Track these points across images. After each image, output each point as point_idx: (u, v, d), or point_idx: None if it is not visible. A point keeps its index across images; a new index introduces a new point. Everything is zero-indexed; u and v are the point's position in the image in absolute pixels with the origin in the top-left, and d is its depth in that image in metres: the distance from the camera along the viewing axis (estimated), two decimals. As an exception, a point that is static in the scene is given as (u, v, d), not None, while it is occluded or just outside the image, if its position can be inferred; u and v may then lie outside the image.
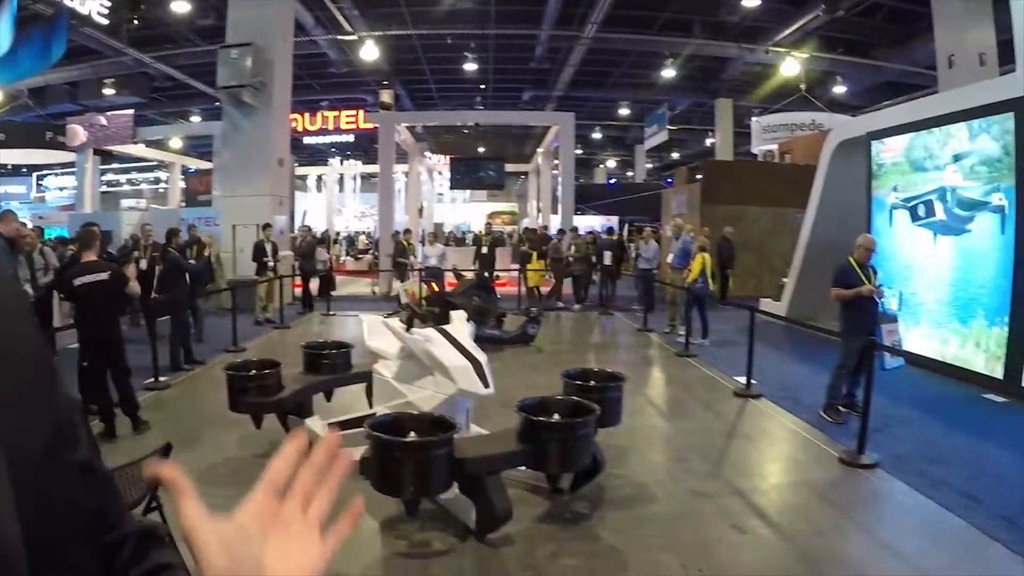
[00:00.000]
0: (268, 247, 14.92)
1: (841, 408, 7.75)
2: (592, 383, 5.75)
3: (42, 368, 0.76)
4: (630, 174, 48.72)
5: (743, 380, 9.08)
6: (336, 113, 29.86)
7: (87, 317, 7.08)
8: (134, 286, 7.43)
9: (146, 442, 6.62)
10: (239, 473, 5.96)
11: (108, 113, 24.81)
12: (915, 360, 9.48)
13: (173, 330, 10.51)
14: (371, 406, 6.22)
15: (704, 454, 6.62)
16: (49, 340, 9.95)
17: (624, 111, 35.08)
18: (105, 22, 16.74)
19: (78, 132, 24.62)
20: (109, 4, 16.23)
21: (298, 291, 17.76)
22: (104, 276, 6.98)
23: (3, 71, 16.21)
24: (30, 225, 13.77)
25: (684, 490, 5.72)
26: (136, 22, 17.78)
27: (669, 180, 31.71)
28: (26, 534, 0.63)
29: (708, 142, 36.46)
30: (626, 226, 32.97)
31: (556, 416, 4.89)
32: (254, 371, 6.37)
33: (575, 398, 5.24)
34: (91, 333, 7.10)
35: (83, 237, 7.42)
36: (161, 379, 9.14)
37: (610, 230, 21.34)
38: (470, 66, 27.38)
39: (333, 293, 18.38)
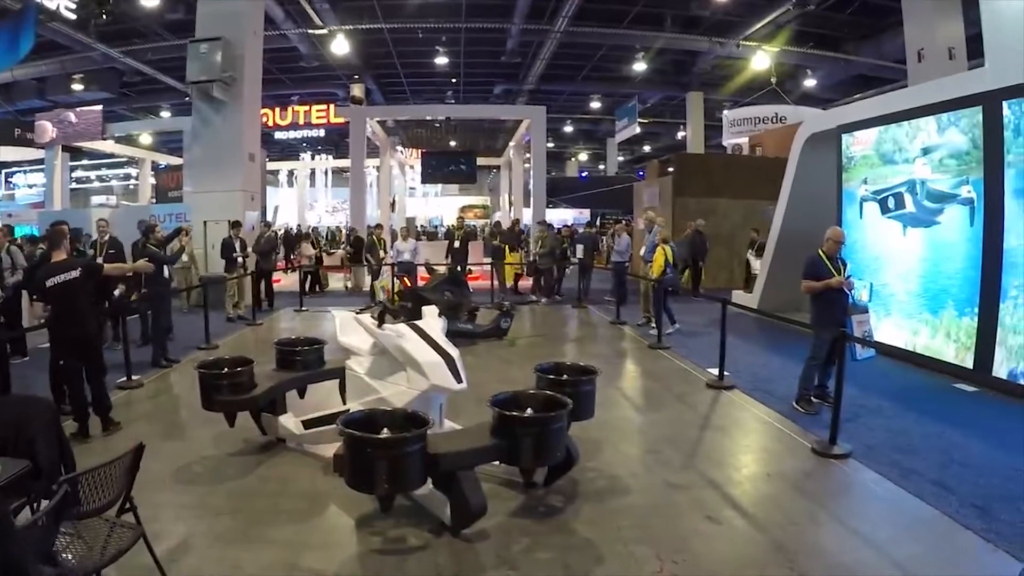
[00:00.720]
0: (237, 244, 14.83)
1: (813, 399, 7.81)
2: (565, 377, 5.74)
3: None
4: (602, 167, 48.85)
5: (716, 372, 9.13)
6: (307, 108, 29.77)
7: (62, 316, 6.98)
8: (110, 268, 7.33)
9: (118, 443, 6.56)
10: (213, 471, 5.95)
11: (77, 109, 24.61)
12: (886, 351, 9.57)
13: (155, 325, 10.49)
14: (344, 403, 6.16)
15: (677, 446, 6.64)
16: (19, 341, 9.84)
17: (596, 104, 35.23)
18: (73, 17, 16.66)
19: (47, 128, 24.38)
20: (77, -1, 16.09)
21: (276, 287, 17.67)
22: (75, 274, 6.90)
23: (-31, 66, 16.10)
24: (-1, 225, 13.55)
25: (658, 482, 5.72)
26: (105, 17, 17.58)
27: (641, 173, 31.87)
28: None
29: (680, 135, 36.60)
30: (598, 219, 33.02)
31: (529, 411, 4.88)
32: (226, 369, 6.30)
33: (548, 392, 5.23)
34: (68, 332, 6.99)
35: (52, 236, 7.37)
36: (134, 378, 9.05)
37: (589, 223, 21.29)
38: (441, 60, 27.36)
39: (320, 289, 18.45)
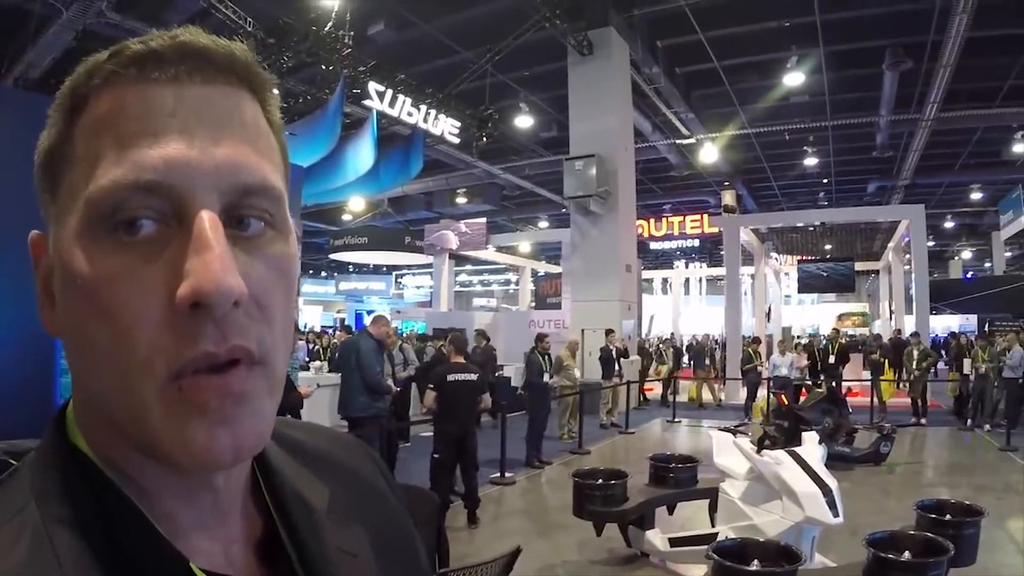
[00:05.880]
0: (612, 351, 15.44)
1: None
2: (948, 517, 5.41)
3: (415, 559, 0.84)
4: (988, 265, 44.00)
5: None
6: (681, 218, 30.42)
7: (450, 413, 7.80)
8: (487, 399, 8.31)
9: (486, 536, 7.32)
10: (574, 577, 6.26)
11: (465, 221, 27.31)
12: None
13: (531, 428, 11.35)
14: (713, 524, 6.36)
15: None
16: (404, 429, 11.19)
17: (976, 196, 32.30)
18: (456, 140, 19.12)
19: (450, 238, 26.61)
20: (459, 124, 18.61)
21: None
22: (472, 377, 7.90)
23: (367, 185, 19.32)
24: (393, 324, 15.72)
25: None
26: (484, 139, 19.92)
27: (1033, 271, 28.23)
28: None
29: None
30: (986, 326, 29.22)
31: (907, 554, 4.73)
32: (601, 480, 6.61)
33: (929, 535, 5.01)
34: (452, 428, 7.79)
35: (455, 341, 8.55)
36: (507, 475, 9.79)
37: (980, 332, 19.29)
38: (810, 160, 26.93)
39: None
